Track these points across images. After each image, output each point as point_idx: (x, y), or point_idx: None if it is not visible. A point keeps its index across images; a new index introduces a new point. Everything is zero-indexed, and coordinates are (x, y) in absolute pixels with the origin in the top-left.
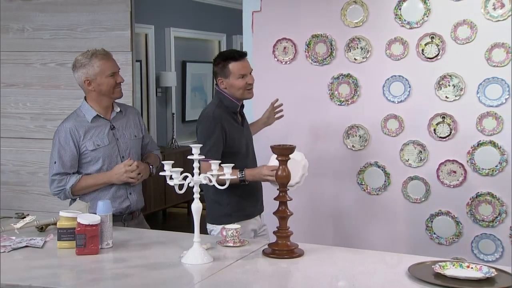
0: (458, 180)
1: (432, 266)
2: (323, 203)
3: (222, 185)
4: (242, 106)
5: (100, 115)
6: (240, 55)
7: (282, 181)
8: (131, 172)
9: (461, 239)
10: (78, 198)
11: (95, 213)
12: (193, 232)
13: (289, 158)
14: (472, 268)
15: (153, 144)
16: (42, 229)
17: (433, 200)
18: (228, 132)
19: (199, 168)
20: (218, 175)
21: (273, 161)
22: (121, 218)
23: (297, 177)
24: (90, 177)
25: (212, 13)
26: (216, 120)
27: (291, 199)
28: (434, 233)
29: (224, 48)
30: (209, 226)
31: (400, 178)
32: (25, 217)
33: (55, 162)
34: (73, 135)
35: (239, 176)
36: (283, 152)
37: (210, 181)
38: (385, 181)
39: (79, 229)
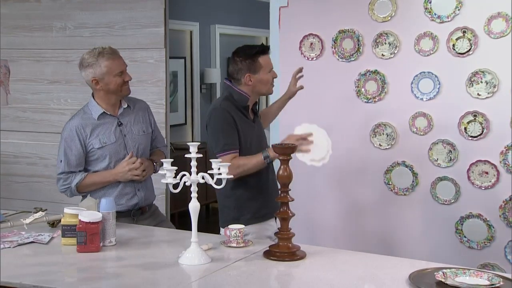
0: (490, 181)
1: (434, 273)
2: (348, 202)
3: (220, 184)
4: (256, 102)
5: (106, 112)
6: (267, 48)
7: (284, 181)
8: (135, 170)
9: (494, 243)
10: (88, 195)
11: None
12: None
13: (291, 158)
14: (480, 277)
15: (161, 139)
16: (53, 224)
17: (464, 202)
18: (238, 124)
19: (197, 167)
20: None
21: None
22: (129, 214)
23: (323, 153)
24: (96, 175)
25: (257, 9)
26: (225, 111)
27: (292, 200)
28: (465, 237)
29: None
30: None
31: (428, 179)
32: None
33: (61, 161)
34: (79, 133)
35: (262, 154)
36: (285, 151)
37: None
38: (413, 181)
39: (80, 226)
